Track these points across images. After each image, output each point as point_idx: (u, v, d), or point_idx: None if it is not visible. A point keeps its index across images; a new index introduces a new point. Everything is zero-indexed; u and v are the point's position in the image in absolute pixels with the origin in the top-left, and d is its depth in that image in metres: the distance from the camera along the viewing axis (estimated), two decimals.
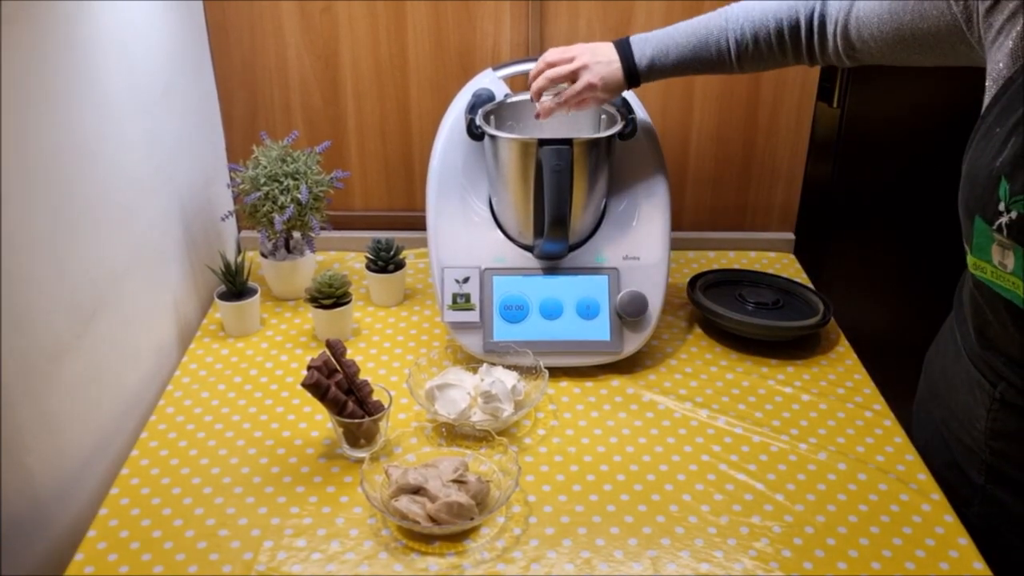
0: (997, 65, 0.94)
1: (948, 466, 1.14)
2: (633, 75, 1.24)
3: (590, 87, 1.24)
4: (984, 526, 1.07)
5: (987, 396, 1.04)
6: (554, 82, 1.26)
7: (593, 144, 1.28)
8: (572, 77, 1.25)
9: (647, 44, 1.24)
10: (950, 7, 1.00)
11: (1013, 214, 0.89)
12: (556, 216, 1.25)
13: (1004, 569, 1.01)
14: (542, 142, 1.23)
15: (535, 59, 1.40)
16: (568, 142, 1.23)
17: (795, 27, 1.18)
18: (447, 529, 1.03)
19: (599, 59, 1.24)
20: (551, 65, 1.26)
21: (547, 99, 1.28)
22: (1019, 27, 0.91)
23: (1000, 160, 0.90)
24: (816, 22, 1.17)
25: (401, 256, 1.52)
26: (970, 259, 0.98)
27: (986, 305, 1.00)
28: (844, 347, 1.42)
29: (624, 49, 1.24)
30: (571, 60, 1.25)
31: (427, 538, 1.04)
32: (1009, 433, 1.03)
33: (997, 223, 0.91)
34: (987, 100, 0.96)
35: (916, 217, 1.83)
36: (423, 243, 1.42)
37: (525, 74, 1.48)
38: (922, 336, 1.34)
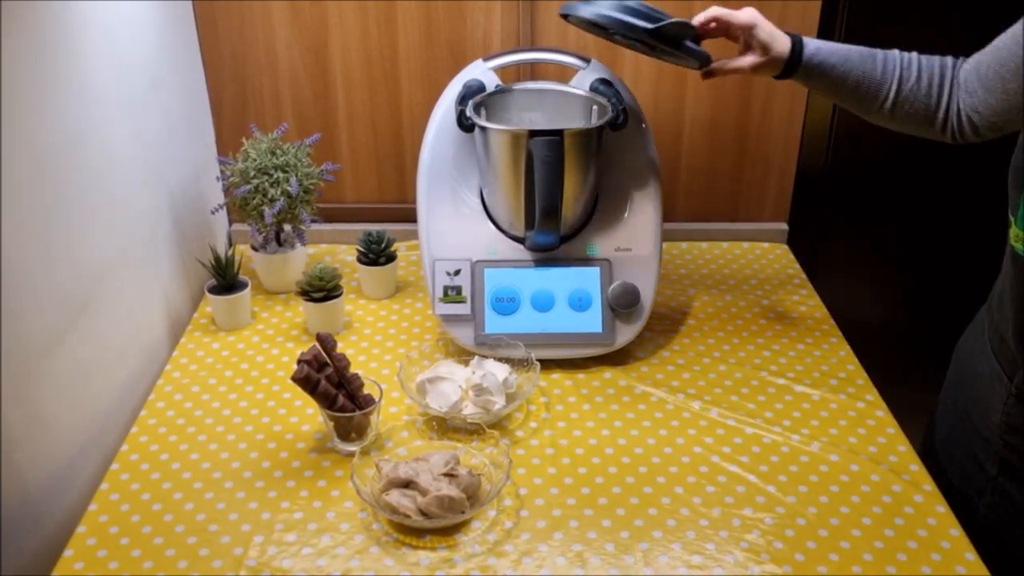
0: None
1: (967, 455, 1.14)
2: (796, 54, 1.16)
3: (748, 14, 1.16)
4: (993, 517, 1.07)
5: (1004, 389, 1.04)
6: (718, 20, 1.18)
7: (584, 135, 1.27)
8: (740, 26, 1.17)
9: (816, 40, 1.18)
10: None
11: None
12: (547, 207, 1.25)
13: (1007, 563, 1.01)
14: (533, 133, 1.22)
15: (526, 50, 1.40)
16: (559, 133, 1.22)
17: (943, 78, 1.13)
18: (438, 523, 1.02)
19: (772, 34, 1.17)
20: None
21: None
22: None
23: None
24: (953, 81, 1.12)
25: (392, 249, 1.51)
26: (1013, 231, 0.98)
27: (1021, 282, 0.99)
28: (837, 338, 1.42)
29: (795, 39, 1.17)
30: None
31: (418, 532, 1.03)
32: (1021, 429, 1.03)
33: None
34: None
35: (910, 206, 1.83)
36: (415, 235, 1.42)
37: (516, 65, 1.48)
38: (917, 326, 1.34)
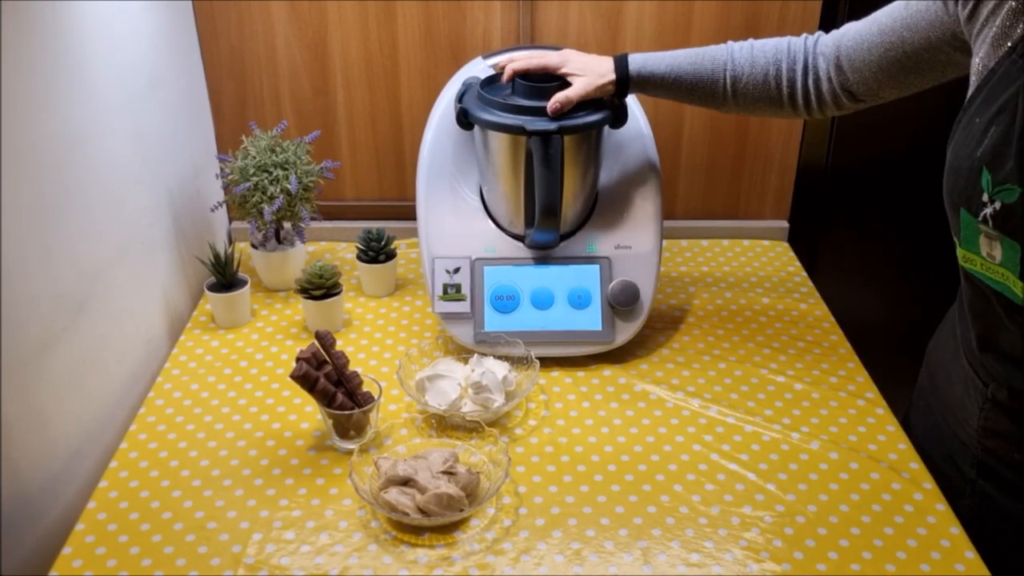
0: (979, 56, 0.93)
1: (943, 457, 1.14)
2: (623, 71, 1.22)
3: (550, 65, 1.25)
4: (974, 519, 1.07)
5: (980, 395, 1.04)
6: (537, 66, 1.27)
7: (584, 133, 1.27)
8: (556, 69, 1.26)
9: (647, 54, 1.23)
10: (944, 7, 0.99)
11: (997, 204, 0.88)
12: (547, 205, 1.25)
13: (991, 562, 1.01)
14: (532, 132, 1.22)
15: (526, 47, 1.39)
16: (559, 131, 1.22)
17: (792, 62, 1.17)
18: (437, 521, 1.02)
19: (589, 60, 1.25)
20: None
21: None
22: (1001, 16, 0.90)
23: (981, 150, 0.90)
24: (811, 59, 1.16)
25: (392, 246, 1.51)
26: (959, 252, 0.97)
27: (978, 299, 0.99)
28: (837, 336, 1.42)
29: (619, 57, 1.24)
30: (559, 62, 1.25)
31: (417, 530, 1.03)
32: (999, 432, 1.03)
33: (982, 214, 0.90)
34: (970, 92, 0.95)
35: (912, 203, 1.82)
36: (414, 233, 1.42)
37: None
38: (917, 324, 1.33)
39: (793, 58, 1.17)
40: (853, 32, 1.12)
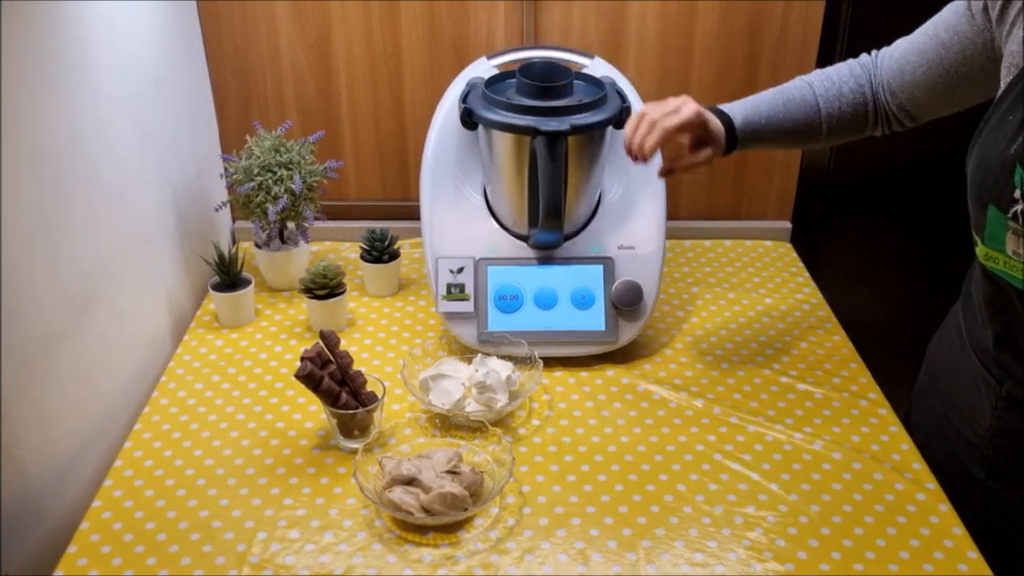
0: (1011, 54, 0.93)
1: (948, 459, 1.13)
2: (730, 129, 1.15)
3: (697, 113, 1.11)
4: (982, 520, 1.07)
5: (993, 393, 1.04)
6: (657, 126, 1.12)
7: (588, 133, 1.27)
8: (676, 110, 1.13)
9: (734, 105, 1.17)
10: (972, 19, 0.99)
11: None
12: (551, 206, 1.25)
13: (999, 564, 1.01)
14: (536, 132, 1.22)
15: (529, 48, 1.40)
16: (563, 132, 1.22)
17: (869, 86, 1.15)
18: (441, 520, 1.02)
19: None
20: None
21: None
22: None
23: (1015, 147, 0.90)
24: (875, 80, 1.15)
25: (396, 246, 1.51)
26: (980, 249, 0.97)
27: (999, 298, 0.99)
28: (840, 336, 1.42)
29: (713, 108, 1.16)
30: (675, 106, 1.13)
31: (421, 529, 1.04)
32: (1013, 431, 1.03)
33: (1012, 211, 0.90)
34: (1000, 90, 0.95)
35: (915, 204, 1.83)
36: (418, 233, 1.42)
37: (519, 62, 1.47)
38: (920, 325, 1.33)
39: (868, 82, 1.15)
40: (899, 52, 1.12)
